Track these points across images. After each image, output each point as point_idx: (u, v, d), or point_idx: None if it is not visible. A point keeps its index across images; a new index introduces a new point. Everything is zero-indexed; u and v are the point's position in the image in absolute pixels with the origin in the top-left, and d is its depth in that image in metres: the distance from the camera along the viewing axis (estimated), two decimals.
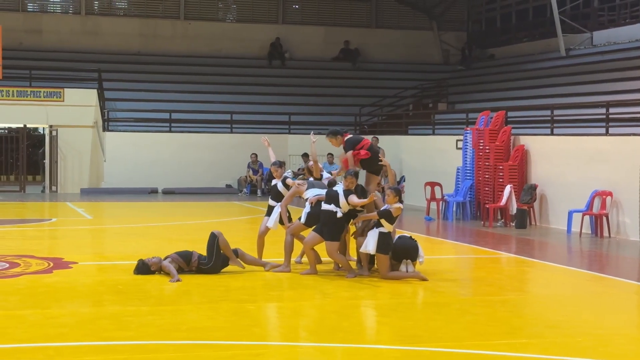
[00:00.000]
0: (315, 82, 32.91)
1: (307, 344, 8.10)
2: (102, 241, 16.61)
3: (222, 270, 11.69)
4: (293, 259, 12.30)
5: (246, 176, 28.09)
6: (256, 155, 27.69)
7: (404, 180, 24.13)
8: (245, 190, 27.92)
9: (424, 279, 11.32)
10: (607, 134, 18.23)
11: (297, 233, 12.09)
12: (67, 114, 28.13)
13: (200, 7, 34.37)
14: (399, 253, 11.49)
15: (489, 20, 35.82)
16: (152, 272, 11.42)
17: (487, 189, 20.05)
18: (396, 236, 11.79)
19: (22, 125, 28.73)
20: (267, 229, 12.41)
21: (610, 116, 18.55)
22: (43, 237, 16.87)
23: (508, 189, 18.97)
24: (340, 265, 11.86)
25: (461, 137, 21.48)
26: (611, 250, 15.56)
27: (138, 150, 27.95)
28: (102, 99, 28.65)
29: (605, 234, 17.00)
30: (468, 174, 20.80)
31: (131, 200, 25.11)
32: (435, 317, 9.29)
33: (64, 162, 28.35)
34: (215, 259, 11.57)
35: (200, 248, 11.96)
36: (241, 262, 11.86)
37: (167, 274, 11.27)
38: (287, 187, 12.21)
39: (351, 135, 12.35)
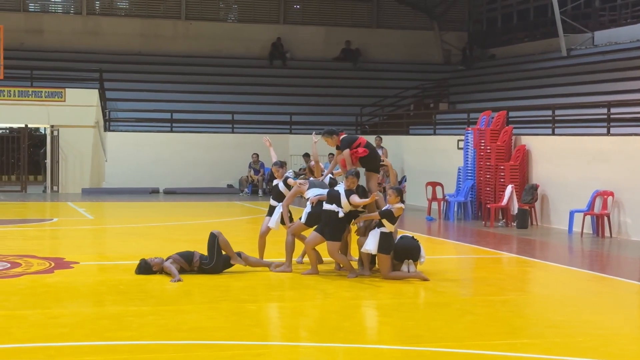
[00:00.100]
0: (316, 82, 32.92)
1: (308, 344, 8.10)
2: (103, 241, 16.61)
3: (224, 270, 11.70)
4: (294, 259, 12.30)
5: (247, 176, 28.09)
6: (257, 155, 27.70)
7: (405, 180, 24.14)
8: (246, 190, 27.92)
9: (425, 279, 11.32)
10: (608, 134, 18.23)
11: (298, 233, 12.10)
12: (69, 114, 28.13)
13: (202, 7, 34.38)
14: (401, 253, 11.50)
15: (490, 20, 35.81)
16: (154, 272, 11.43)
17: (488, 189, 20.05)
18: (398, 236, 11.79)
19: (23, 125, 28.73)
20: (268, 229, 12.42)
21: (611, 116, 18.54)
22: (44, 237, 16.87)
23: (509, 189, 18.97)
24: (341, 265, 11.86)
25: (462, 137, 21.48)
26: (612, 250, 15.55)
27: (139, 150, 27.96)
28: (103, 99, 28.65)
29: (607, 234, 17.00)
30: (469, 174, 20.80)
31: (132, 200, 25.11)
32: (436, 317, 9.29)
33: (65, 162, 28.36)
34: (217, 258, 11.57)
35: (202, 248, 11.97)
36: (243, 260, 11.87)
37: (169, 274, 11.27)
38: (288, 187, 12.21)
39: (346, 135, 12.35)
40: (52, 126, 28.46)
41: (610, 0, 29.10)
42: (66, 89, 28.57)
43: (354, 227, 12.02)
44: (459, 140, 22.02)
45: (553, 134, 20.00)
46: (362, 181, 11.91)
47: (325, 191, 11.76)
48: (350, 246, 12.35)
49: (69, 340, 7.94)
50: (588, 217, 17.29)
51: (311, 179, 12.43)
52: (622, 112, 19.21)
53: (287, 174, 12.43)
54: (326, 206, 11.48)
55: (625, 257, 14.71)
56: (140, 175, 27.76)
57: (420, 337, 8.27)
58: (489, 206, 19.29)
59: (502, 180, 19.56)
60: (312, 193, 11.86)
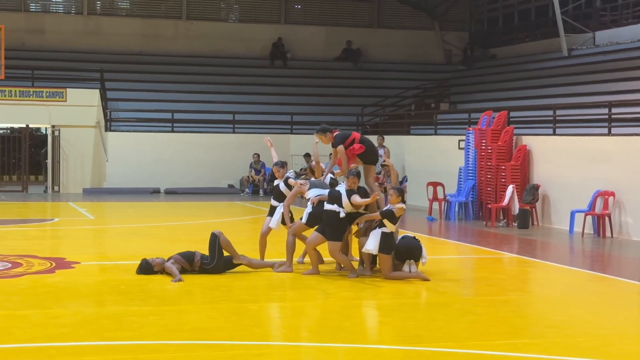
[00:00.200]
0: (317, 82, 32.92)
1: (309, 344, 8.10)
2: (104, 241, 16.62)
3: (226, 271, 11.70)
4: (295, 259, 12.30)
5: (248, 176, 28.10)
6: (258, 155, 27.70)
7: (407, 180, 24.14)
8: (247, 190, 27.93)
9: (425, 279, 11.32)
10: (609, 134, 18.23)
11: (299, 233, 12.10)
12: (70, 114, 28.14)
13: (203, 7, 34.38)
14: (403, 253, 11.50)
15: (491, 20, 35.81)
16: (155, 273, 11.43)
17: (489, 189, 20.05)
18: (399, 236, 11.80)
19: (24, 125, 28.74)
20: (269, 229, 12.42)
21: (612, 116, 18.55)
22: (45, 237, 16.88)
23: (510, 189, 18.97)
24: (342, 265, 11.86)
25: (463, 137, 21.47)
26: (613, 250, 15.55)
27: (140, 150, 27.96)
28: (104, 99, 28.66)
29: (608, 234, 16.99)
30: (470, 174, 20.80)
31: (133, 200, 25.12)
32: (437, 317, 9.29)
33: (66, 162, 28.38)
34: (218, 258, 11.58)
35: (203, 248, 11.97)
36: (246, 264, 11.89)
37: (170, 274, 11.28)
38: (289, 187, 12.21)
39: (339, 132, 12.33)
40: (53, 126, 28.46)
41: (611, 0, 29.10)
42: (67, 89, 28.58)
43: (354, 228, 12.02)
44: (460, 140, 22.02)
45: (554, 134, 20.00)
46: (362, 183, 11.90)
47: (326, 191, 11.76)
48: (351, 246, 12.35)
49: (70, 340, 7.95)
50: (589, 217, 17.29)
51: (312, 179, 12.44)
52: (623, 112, 19.21)
53: (287, 174, 12.43)
54: (327, 206, 11.48)
55: (626, 258, 14.71)
56: (141, 175, 27.77)
57: (421, 337, 8.27)
58: (490, 206, 19.29)
59: (503, 180, 19.56)
60: (313, 193, 11.86)
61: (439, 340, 8.15)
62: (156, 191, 27.71)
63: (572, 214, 17.60)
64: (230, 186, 28.45)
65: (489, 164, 20.04)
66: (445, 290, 10.95)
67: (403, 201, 11.43)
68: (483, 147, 20.33)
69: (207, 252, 11.69)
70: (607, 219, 17.04)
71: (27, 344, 7.80)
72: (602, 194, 17.19)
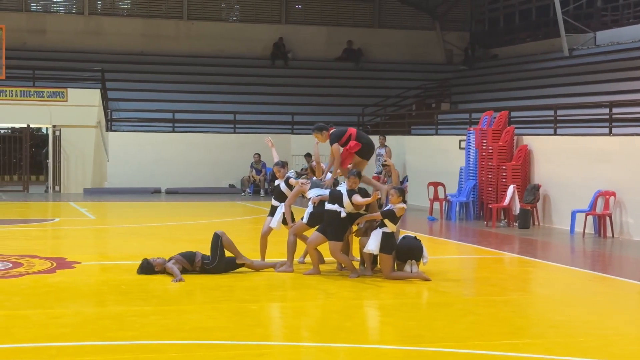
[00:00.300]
0: (318, 82, 32.92)
1: (309, 344, 8.10)
2: (105, 241, 16.62)
3: (229, 272, 11.70)
4: (296, 259, 12.30)
5: (249, 176, 28.10)
6: (259, 155, 27.71)
7: (407, 181, 24.13)
8: (248, 190, 27.93)
9: (426, 279, 11.32)
10: (610, 134, 18.23)
11: (300, 233, 12.10)
12: (71, 114, 28.16)
13: (203, 7, 34.39)
14: (404, 253, 11.49)
15: (492, 20, 35.80)
16: (156, 273, 11.43)
17: (490, 189, 20.05)
18: (400, 236, 11.79)
19: (25, 125, 28.77)
20: (269, 229, 12.42)
21: (613, 116, 18.54)
22: (46, 237, 16.88)
23: (511, 189, 18.96)
24: (343, 265, 11.86)
25: (464, 137, 21.47)
26: (614, 250, 15.55)
27: (141, 150, 27.97)
28: (105, 99, 28.67)
29: (609, 234, 16.99)
30: (471, 174, 20.79)
31: (134, 200, 25.12)
32: (438, 317, 9.29)
33: (67, 162, 28.39)
34: (219, 259, 11.58)
35: (204, 248, 11.97)
36: (247, 259, 11.90)
37: (171, 274, 11.28)
38: (289, 187, 12.21)
39: (335, 129, 12.32)
40: (54, 126, 28.48)
41: (612, 0, 29.09)
42: (68, 89, 28.61)
43: (354, 228, 12.02)
44: (460, 140, 22.01)
45: (555, 134, 19.99)
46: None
47: (327, 191, 11.76)
48: (352, 246, 12.34)
49: (71, 340, 7.95)
50: (590, 217, 17.28)
51: (313, 178, 12.43)
52: (624, 112, 19.20)
53: (288, 174, 12.43)
54: (328, 206, 11.48)
55: (627, 257, 14.70)
56: (142, 175, 27.78)
57: (422, 337, 8.27)
58: (490, 206, 19.29)
59: (504, 180, 19.56)
60: (314, 193, 11.86)
61: (440, 341, 8.15)
62: (157, 191, 27.72)
63: (573, 214, 17.59)
64: (231, 186, 28.46)
65: (490, 164, 20.04)
66: (446, 290, 10.95)
67: (404, 201, 11.42)
68: (484, 147, 20.32)
69: (208, 252, 11.69)
70: (608, 219, 17.03)
71: (28, 344, 7.80)
72: (603, 194, 17.18)
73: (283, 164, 12.53)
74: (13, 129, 30.65)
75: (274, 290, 10.82)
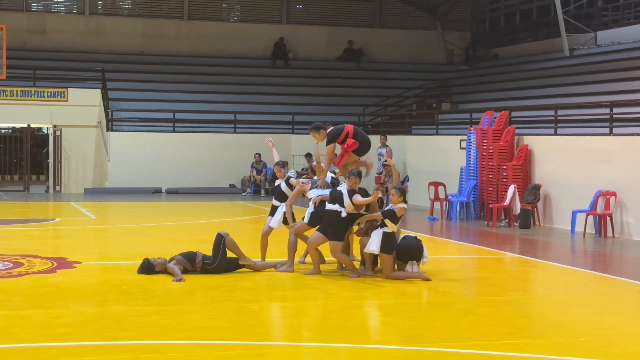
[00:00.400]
0: (318, 82, 32.92)
1: (310, 344, 8.10)
2: (105, 241, 16.62)
3: (230, 272, 11.70)
4: (296, 259, 12.30)
5: (250, 176, 28.11)
6: (260, 155, 27.71)
7: (408, 180, 24.13)
8: (248, 190, 27.93)
9: (427, 279, 11.32)
10: (610, 134, 18.22)
11: (301, 233, 12.10)
12: (71, 114, 28.17)
13: (204, 7, 34.39)
14: (404, 253, 11.49)
15: (493, 20, 35.80)
16: (157, 272, 11.43)
17: (490, 189, 20.05)
18: (401, 236, 11.79)
19: (26, 125, 28.77)
20: (270, 229, 12.42)
21: (614, 116, 18.54)
22: (47, 236, 16.88)
23: (512, 189, 18.96)
24: (343, 265, 11.86)
25: (465, 137, 21.47)
26: (615, 250, 15.55)
27: (142, 150, 27.97)
28: (106, 98, 28.68)
29: (609, 234, 16.99)
30: (472, 174, 20.79)
31: (135, 200, 25.13)
32: (438, 317, 9.28)
33: (68, 162, 28.40)
34: (220, 259, 11.58)
35: (205, 248, 11.98)
36: (250, 260, 11.91)
37: (172, 274, 11.28)
38: (290, 187, 12.21)
39: (332, 127, 12.29)
40: (54, 126, 28.49)
41: (613, 0, 29.08)
42: (69, 89, 28.61)
43: (354, 228, 12.02)
44: (461, 140, 22.01)
45: (555, 134, 19.99)
46: (364, 182, 11.90)
47: (327, 191, 11.76)
48: (352, 246, 12.34)
49: (72, 340, 7.95)
50: (590, 217, 17.28)
51: (314, 178, 12.43)
52: (624, 112, 19.20)
53: (289, 173, 12.44)
54: (329, 206, 11.49)
55: (627, 257, 14.70)
56: (142, 175, 27.78)
57: (423, 337, 8.27)
58: (491, 206, 19.29)
59: (504, 180, 19.56)
60: (315, 193, 11.87)
61: (440, 340, 8.15)
62: (157, 191, 27.72)
63: (574, 214, 17.59)
64: (232, 186, 28.46)
65: (491, 163, 20.04)
66: (446, 290, 10.95)
67: (404, 201, 11.42)
68: (484, 147, 20.32)
69: (208, 252, 11.70)
70: (608, 219, 17.03)
71: (28, 344, 7.80)
72: (603, 194, 17.18)
73: (283, 164, 12.53)
74: (14, 128, 30.66)
75: (274, 290, 10.82)
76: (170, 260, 11.48)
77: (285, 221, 12.15)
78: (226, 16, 35.38)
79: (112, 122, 28.35)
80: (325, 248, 11.75)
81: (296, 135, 28.78)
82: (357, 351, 7.77)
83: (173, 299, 10.14)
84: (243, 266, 11.84)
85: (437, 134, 25.02)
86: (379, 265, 11.72)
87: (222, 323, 8.81)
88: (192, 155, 28.22)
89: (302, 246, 12.31)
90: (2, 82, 27.56)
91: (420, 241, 11.69)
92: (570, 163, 18.47)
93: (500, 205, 19.10)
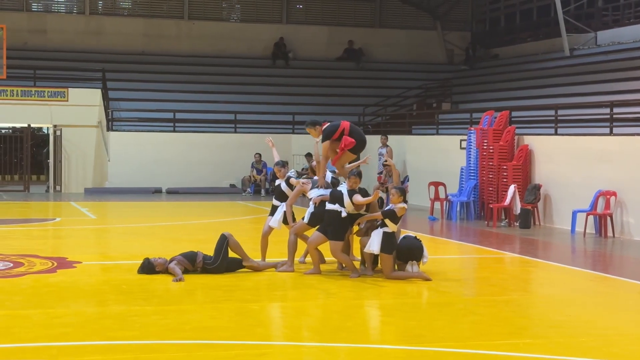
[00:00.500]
0: (319, 82, 32.92)
1: (310, 343, 8.10)
2: (106, 241, 16.62)
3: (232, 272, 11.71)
4: (296, 259, 12.30)
5: (250, 176, 28.11)
6: (260, 155, 27.71)
7: (408, 180, 24.13)
8: (249, 190, 27.93)
9: (427, 279, 11.31)
10: (611, 133, 18.22)
11: (301, 233, 12.10)
12: (71, 114, 28.17)
13: (204, 7, 34.39)
14: (404, 253, 11.49)
15: (493, 20, 35.80)
16: (157, 272, 11.43)
17: (490, 188, 20.05)
18: (401, 236, 11.79)
19: (26, 125, 28.77)
20: (270, 229, 12.42)
21: (614, 116, 18.54)
22: (47, 236, 16.88)
23: (512, 188, 18.96)
24: (344, 265, 11.86)
25: (465, 137, 21.47)
26: (615, 250, 15.55)
27: (142, 150, 27.97)
28: (106, 98, 28.68)
29: (609, 234, 16.99)
30: (472, 174, 20.79)
31: (135, 200, 25.13)
32: (439, 317, 9.28)
33: (68, 162, 28.40)
34: (222, 259, 11.58)
35: (205, 248, 11.98)
36: (254, 261, 11.93)
37: (172, 274, 11.27)
38: (290, 186, 12.21)
39: (328, 124, 12.26)
40: (54, 126, 28.50)
41: (613, 0, 29.07)
42: (69, 89, 28.62)
43: (355, 228, 12.02)
44: (461, 140, 22.01)
45: (556, 133, 20.00)
46: (364, 182, 11.90)
47: (327, 191, 11.76)
48: (352, 246, 12.34)
49: (72, 340, 7.95)
50: (591, 217, 17.28)
51: (314, 178, 12.43)
52: (625, 112, 19.20)
53: (289, 173, 12.43)
54: (329, 206, 11.49)
55: (628, 257, 14.70)
56: (142, 175, 27.78)
57: (423, 337, 8.26)
58: (491, 206, 19.29)
59: (504, 180, 19.56)
60: (315, 193, 11.86)
61: (441, 340, 8.15)
62: (158, 191, 27.72)
63: (574, 213, 17.59)
64: (232, 186, 28.46)
65: (491, 163, 20.04)
66: (447, 290, 10.94)
67: (405, 201, 11.42)
68: (485, 147, 20.32)
69: (209, 252, 11.70)
70: (608, 218, 17.03)
71: (28, 344, 7.80)
72: (603, 194, 17.18)
73: (284, 164, 12.53)
74: (14, 128, 30.66)
75: (274, 290, 10.81)
76: (171, 260, 11.47)
77: (285, 221, 12.15)
78: (226, 16, 35.38)
79: (112, 122, 28.35)
80: (325, 248, 11.75)
81: (296, 135, 28.77)
82: (357, 351, 7.77)
83: (173, 298, 10.14)
84: (243, 266, 11.84)
85: (437, 134, 25.03)
86: (379, 265, 11.72)
87: (223, 323, 8.81)
88: (192, 155, 28.22)
89: (302, 246, 12.31)
90: (3, 82, 27.56)
91: (420, 241, 11.69)
92: (571, 163, 18.47)
93: (500, 205, 19.10)
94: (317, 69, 33.75)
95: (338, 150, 11.99)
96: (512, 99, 25.63)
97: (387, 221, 11.23)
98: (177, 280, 10.95)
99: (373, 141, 25.57)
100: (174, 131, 28.73)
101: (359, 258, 12.05)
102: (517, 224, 18.61)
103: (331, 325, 8.86)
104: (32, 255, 13.11)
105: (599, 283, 11.89)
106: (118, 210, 22.90)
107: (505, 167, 19.58)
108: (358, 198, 11.37)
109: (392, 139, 25.18)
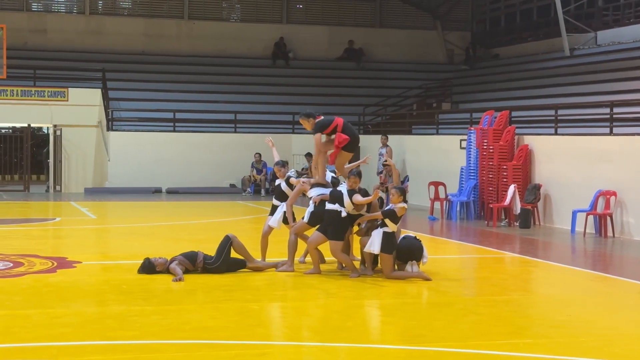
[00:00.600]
0: (319, 82, 32.91)
1: (310, 343, 8.10)
2: (106, 241, 16.62)
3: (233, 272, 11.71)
4: (296, 259, 12.30)
5: (250, 176, 28.11)
6: (260, 155, 27.71)
7: (408, 180, 24.13)
8: (249, 189, 27.93)
9: (427, 279, 11.31)
10: (611, 133, 18.22)
11: (301, 232, 12.09)
12: (71, 114, 28.17)
13: (205, 6, 34.39)
14: (404, 253, 11.49)
15: (493, 20, 35.79)
16: (157, 272, 11.42)
17: (490, 188, 20.04)
18: (401, 236, 11.79)
19: (26, 125, 28.77)
20: (270, 229, 12.42)
21: (614, 116, 18.54)
22: (47, 236, 16.88)
23: (512, 188, 18.96)
24: (344, 265, 11.86)
25: (465, 137, 21.47)
26: (615, 250, 15.55)
27: (142, 150, 27.97)
28: (106, 98, 28.68)
29: (609, 234, 16.98)
30: (472, 174, 20.79)
31: (135, 199, 25.13)
32: (439, 317, 9.28)
33: (68, 162, 28.40)
34: (223, 260, 11.58)
35: (205, 248, 11.98)
36: (259, 262, 11.94)
37: (172, 274, 11.27)
38: (290, 186, 12.21)
39: (322, 117, 12.24)
40: (54, 126, 28.50)
41: (613, 0, 29.07)
42: (69, 89, 28.63)
43: (355, 228, 12.02)
44: (461, 140, 22.01)
45: (556, 133, 19.99)
46: (364, 182, 11.89)
47: (327, 191, 11.76)
48: (352, 246, 12.34)
49: (72, 339, 7.95)
50: (591, 217, 17.28)
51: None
52: (625, 112, 19.20)
53: (289, 173, 12.43)
54: (329, 206, 11.48)
55: (628, 257, 14.70)
56: (142, 174, 27.78)
57: (423, 337, 8.26)
58: (491, 206, 19.29)
59: (504, 180, 19.55)
60: (315, 193, 11.86)
61: (441, 340, 8.15)
62: (158, 191, 27.72)
63: (574, 213, 17.59)
64: (232, 186, 28.46)
65: (491, 163, 20.03)
66: (447, 290, 10.94)
67: (405, 201, 11.42)
68: (485, 147, 20.32)
69: (209, 252, 11.70)
70: (608, 218, 17.03)
71: (28, 344, 7.80)
72: (603, 194, 17.18)
73: (284, 164, 12.53)
74: (14, 128, 30.66)
75: (275, 290, 10.81)
76: (172, 260, 11.47)
77: (285, 221, 12.15)
78: (227, 16, 35.38)
79: (112, 122, 28.35)
80: (325, 248, 11.75)
81: (296, 135, 28.77)
82: (357, 351, 7.77)
83: (173, 298, 10.14)
84: (244, 267, 11.84)
85: (437, 133, 25.03)
86: (379, 265, 11.71)
87: (223, 323, 8.81)
88: (192, 155, 28.22)
89: (302, 246, 12.31)
90: (3, 82, 27.56)
91: (420, 241, 11.69)
92: (571, 163, 18.46)
93: (500, 205, 19.10)
94: (317, 69, 33.75)
95: (333, 147, 11.97)
96: (512, 99, 25.63)
97: (387, 221, 11.23)
98: (176, 280, 10.95)
99: (373, 141, 25.63)
100: (174, 131, 28.73)
101: (359, 258, 12.05)
102: (517, 224, 18.61)
103: (331, 325, 8.86)
104: (32, 255, 13.11)
105: (599, 283, 11.89)
106: (118, 210, 22.90)
107: (505, 167, 19.58)
108: (358, 198, 11.37)
109: (392, 139, 25.18)
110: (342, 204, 11.38)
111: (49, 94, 28.27)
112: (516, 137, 20.06)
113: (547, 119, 21.41)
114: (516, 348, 7.83)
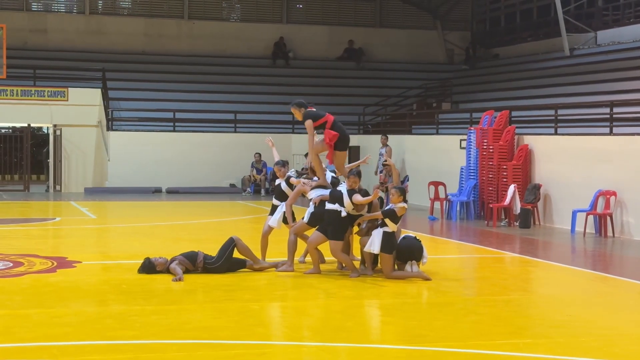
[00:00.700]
0: (319, 82, 32.91)
1: (311, 343, 8.10)
2: (106, 240, 16.62)
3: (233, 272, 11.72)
4: (296, 259, 12.30)
5: (250, 175, 28.10)
6: (260, 155, 27.71)
7: (408, 180, 24.13)
8: (249, 189, 27.93)
9: (427, 279, 11.31)
10: (611, 133, 18.22)
11: (301, 232, 12.10)
12: (71, 114, 28.17)
13: (205, 6, 34.38)
14: (404, 253, 11.49)
15: (493, 20, 35.79)
16: (157, 272, 11.42)
17: (490, 188, 20.05)
18: (401, 236, 11.79)
19: (26, 125, 28.76)
20: (270, 229, 12.42)
21: (614, 116, 18.54)
22: (47, 236, 16.88)
23: (512, 188, 18.96)
24: (343, 265, 11.86)
25: (465, 137, 21.47)
26: (615, 250, 15.55)
27: (142, 150, 27.97)
28: (106, 98, 28.67)
29: (609, 233, 16.98)
30: (472, 174, 20.79)
31: (135, 199, 25.13)
32: (439, 317, 9.28)
33: (68, 162, 28.39)
34: (224, 260, 11.58)
35: (205, 247, 11.99)
36: (265, 263, 11.95)
37: (173, 274, 11.27)
38: (290, 186, 12.21)
39: (314, 109, 12.26)
40: (54, 125, 28.48)
41: (613, 0, 29.07)
42: (69, 89, 28.62)
43: (355, 228, 12.02)
44: (461, 140, 22.01)
45: (556, 133, 20.00)
46: (364, 182, 11.89)
47: (327, 191, 11.76)
48: (352, 246, 12.34)
49: (72, 339, 7.95)
50: (591, 217, 17.28)
51: (315, 178, 12.42)
52: (624, 112, 19.20)
53: (289, 173, 12.44)
54: (329, 206, 11.49)
55: (628, 257, 14.70)
56: (142, 174, 27.77)
57: (424, 337, 8.26)
58: (491, 206, 19.29)
59: (504, 179, 19.56)
60: (315, 193, 11.86)
61: (441, 340, 8.15)
62: (158, 191, 27.72)
63: (574, 213, 17.59)
64: (232, 186, 28.46)
65: (491, 163, 20.04)
66: (447, 289, 10.94)
67: (405, 201, 11.42)
68: (485, 147, 20.32)
69: (209, 252, 11.70)
70: (608, 218, 17.03)
71: (29, 344, 7.80)
72: (603, 194, 17.18)
73: (283, 163, 12.53)
74: (14, 128, 30.65)
75: (275, 290, 10.81)
76: (172, 260, 11.47)
77: (285, 220, 12.15)
78: (227, 16, 35.38)
79: (112, 122, 28.35)
80: (325, 247, 11.75)
81: (296, 135, 28.76)
82: (357, 351, 7.77)
83: (174, 298, 10.14)
84: (244, 267, 11.84)
85: (437, 133, 25.03)
86: (379, 265, 11.71)
87: (223, 323, 8.81)
88: (192, 155, 28.22)
89: (302, 246, 12.31)
90: (3, 82, 27.56)
91: (420, 241, 11.69)
92: (571, 163, 18.47)
93: (500, 205, 19.10)
94: (317, 69, 33.75)
95: (327, 148, 11.99)
96: (512, 99, 25.63)
97: (387, 221, 11.23)
98: (176, 280, 10.95)
99: (373, 141, 25.62)
100: (174, 131, 28.73)
101: (359, 258, 12.05)
102: (517, 224, 18.61)
103: (331, 325, 8.86)
104: (32, 255, 13.11)
105: (599, 283, 11.89)
106: (118, 210, 22.90)
107: (505, 166, 19.58)
108: (358, 198, 11.37)
109: (392, 139, 25.18)
110: (342, 204, 11.38)
111: (49, 93, 28.27)
112: (516, 137, 20.06)
113: (547, 119, 21.41)
114: (516, 348, 7.83)
